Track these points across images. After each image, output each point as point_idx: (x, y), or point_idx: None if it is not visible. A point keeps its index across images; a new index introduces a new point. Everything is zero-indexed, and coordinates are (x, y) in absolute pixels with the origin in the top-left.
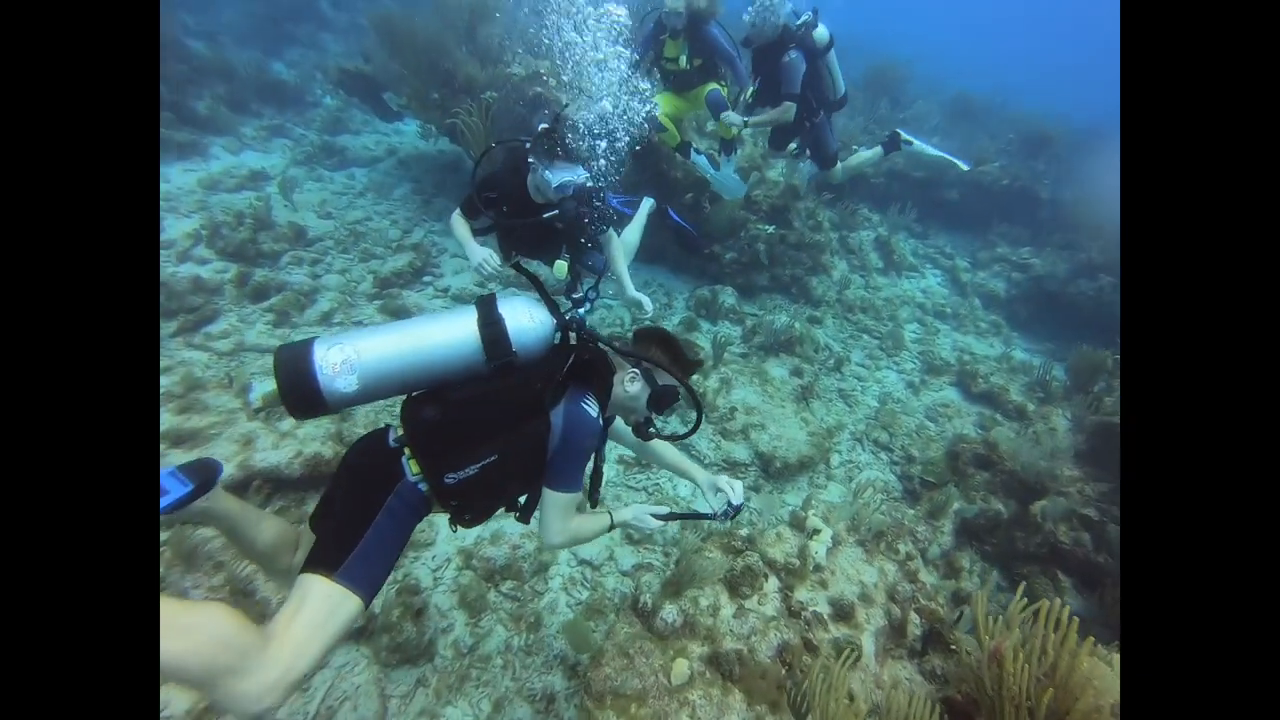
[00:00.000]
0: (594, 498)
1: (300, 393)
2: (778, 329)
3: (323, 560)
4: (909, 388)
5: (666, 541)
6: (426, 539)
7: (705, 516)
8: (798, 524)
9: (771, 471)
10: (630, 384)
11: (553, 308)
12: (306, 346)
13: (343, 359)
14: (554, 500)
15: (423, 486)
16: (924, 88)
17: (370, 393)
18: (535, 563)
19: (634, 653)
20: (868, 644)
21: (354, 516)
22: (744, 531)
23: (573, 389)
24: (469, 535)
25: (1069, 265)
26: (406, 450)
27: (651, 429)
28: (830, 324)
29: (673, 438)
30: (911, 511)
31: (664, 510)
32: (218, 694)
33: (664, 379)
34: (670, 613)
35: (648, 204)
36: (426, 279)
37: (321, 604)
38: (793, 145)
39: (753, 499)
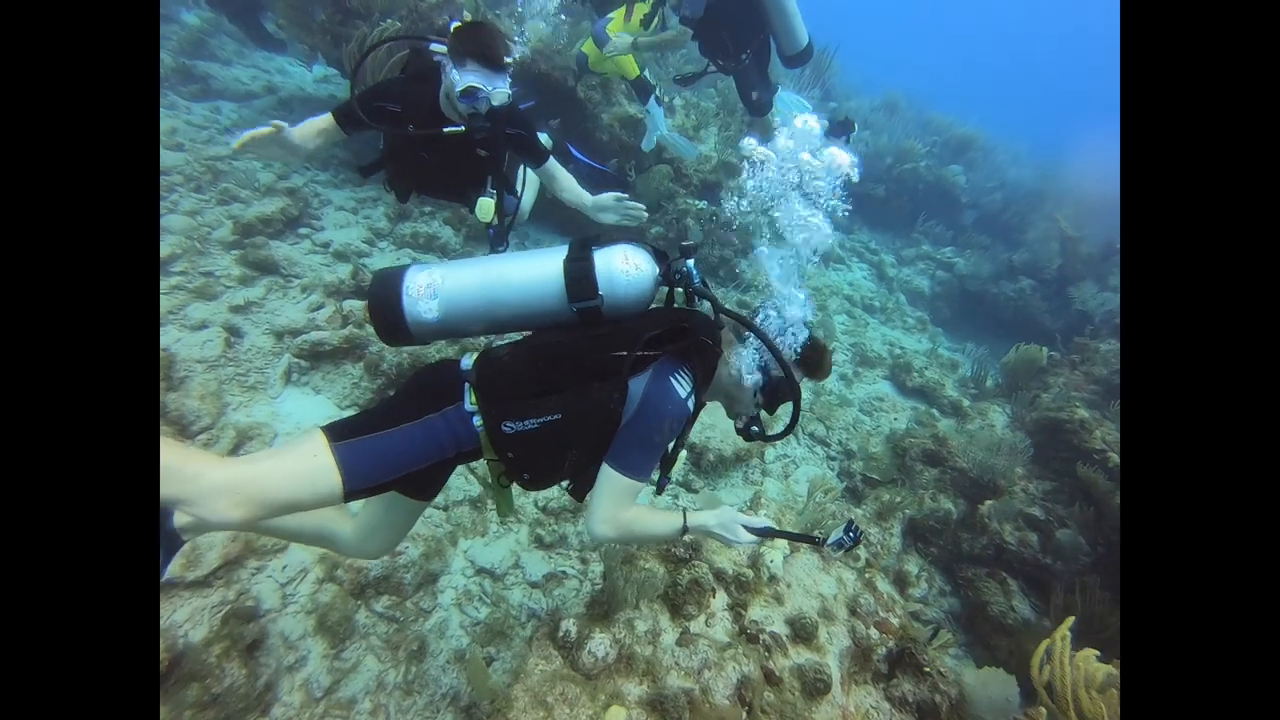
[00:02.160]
0: (660, 484)
1: (384, 312)
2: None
3: (337, 426)
4: (842, 380)
5: (587, 543)
6: (278, 543)
7: (813, 540)
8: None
9: (703, 466)
10: (744, 369)
11: (658, 255)
12: (401, 270)
13: (428, 283)
14: (611, 481)
15: (477, 421)
16: (858, 81)
17: (451, 324)
18: (420, 573)
19: (554, 700)
20: (833, 670)
21: (391, 411)
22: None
23: (665, 360)
24: None
25: (991, 266)
26: (469, 383)
27: (755, 429)
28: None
29: (768, 439)
30: (859, 511)
31: (762, 524)
32: (185, 512)
33: (787, 375)
34: (601, 644)
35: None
36: (303, 230)
37: (304, 458)
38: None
39: (683, 497)
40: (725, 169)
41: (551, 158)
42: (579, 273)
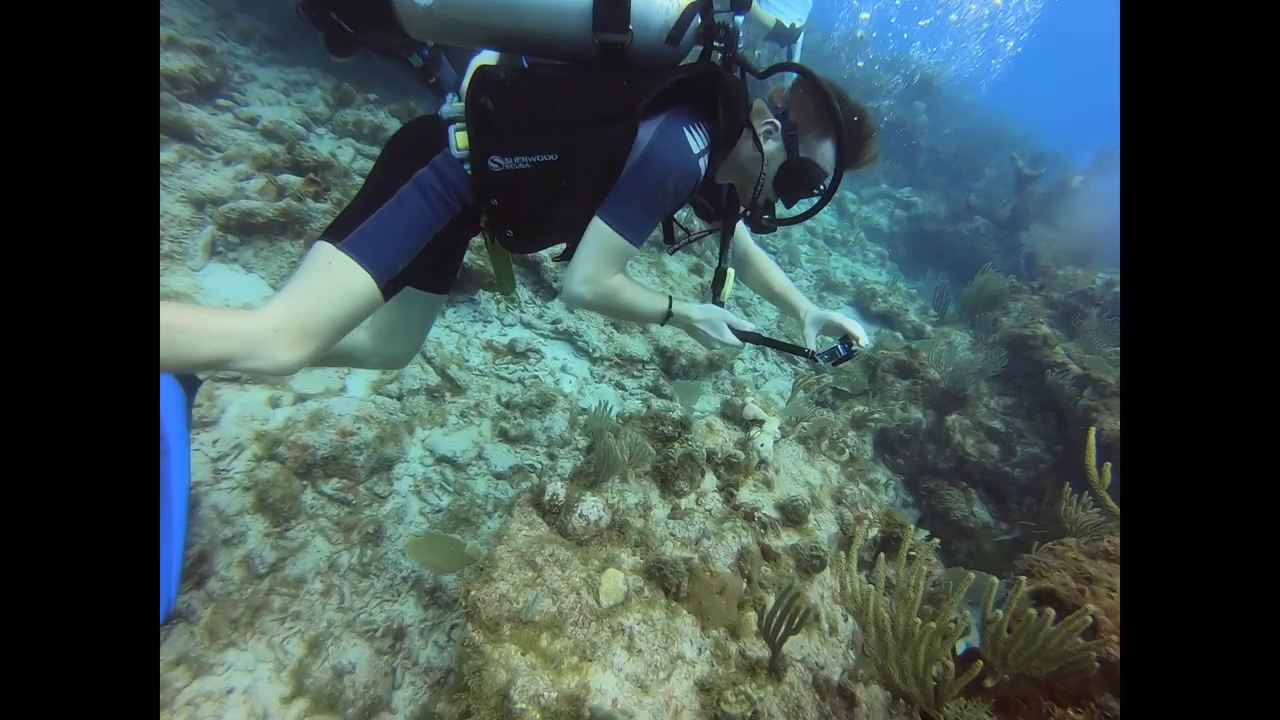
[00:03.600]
0: (715, 296)
1: None
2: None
3: (333, 228)
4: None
5: (554, 440)
6: (207, 415)
7: (800, 351)
8: (731, 413)
9: (674, 371)
10: (765, 140)
11: (705, 6)
12: None
13: None
14: (600, 236)
15: (468, 167)
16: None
17: (447, 17)
18: (374, 456)
19: (543, 561)
20: (826, 550)
21: (379, 186)
22: (675, 413)
23: (683, 108)
24: (276, 416)
25: (948, 207)
26: (458, 122)
27: (766, 217)
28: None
29: (788, 222)
30: (834, 417)
31: (750, 327)
32: (239, 370)
33: (813, 151)
34: (593, 507)
35: None
36: (222, 101)
37: (320, 270)
38: None
39: (668, 387)
40: None
41: None
42: None
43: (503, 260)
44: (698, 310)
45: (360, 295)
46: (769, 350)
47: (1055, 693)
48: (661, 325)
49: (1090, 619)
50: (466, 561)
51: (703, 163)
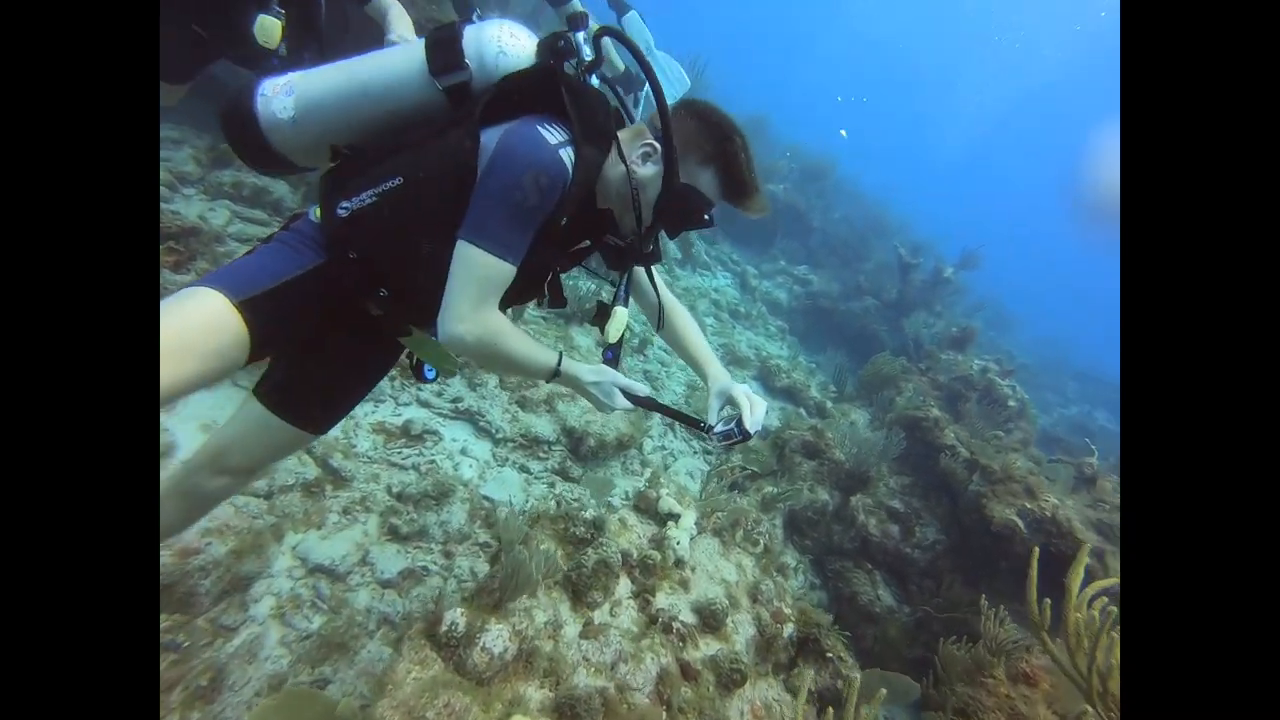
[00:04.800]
0: (555, 301)
1: (235, 114)
2: (581, 297)
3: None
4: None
5: (452, 535)
6: None
7: (695, 424)
8: (645, 506)
9: (582, 452)
10: (644, 163)
11: (549, 42)
12: (256, 76)
13: (285, 82)
14: (467, 260)
15: (314, 214)
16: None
17: (310, 124)
18: (226, 577)
19: (436, 716)
20: (746, 660)
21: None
22: (587, 512)
23: (531, 114)
24: None
25: (840, 286)
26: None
27: (650, 248)
28: (631, 304)
29: (642, 259)
30: (743, 502)
31: (644, 391)
32: None
33: (695, 175)
34: (497, 638)
35: None
36: None
37: (174, 300)
38: None
39: (558, 486)
40: None
41: None
42: (442, 37)
43: (424, 345)
44: (588, 371)
45: (211, 309)
46: (678, 426)
47: None
48: (548, 381)
49: None
50: None
51: (565, 156)
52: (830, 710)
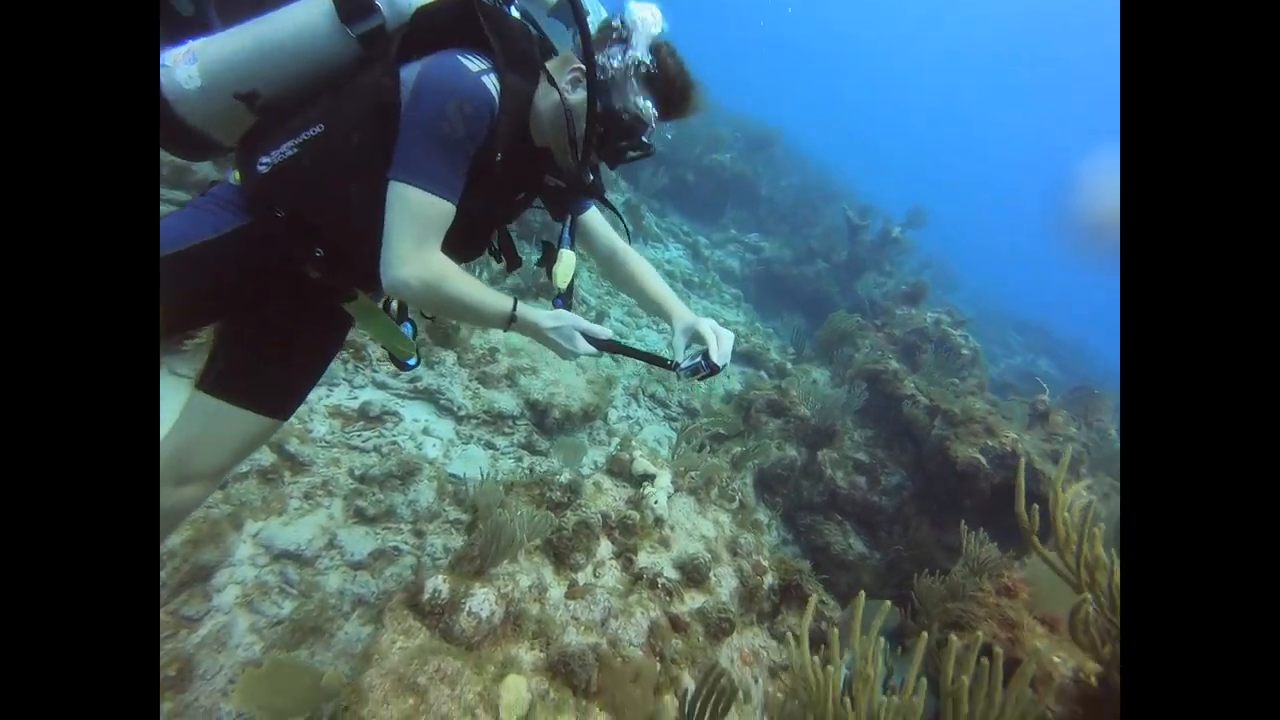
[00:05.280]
0: (509, 260)
1: None
2: (534, 271)
3: None
4: (670, 347)
5: (421, 514)
6: None
7: (662, 362)
8: (619, 469)
9: (547, 425)
10: (574, 89)
11: None
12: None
13: (186, 50)
14: (400, 197)
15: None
16: None
17: (217, 93)
18: (184, 568)
19: (427, 681)
20: (733, 609)
21: None
22: (561, 476)
23: (450, 46)
24: None
25: (792, 251)
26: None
27: (589, 179)
28: (586, 277)
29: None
30: (721, 462)
31: (606, 334)
32: None
33: (628, 100)
34: (483, 602)
35: None
36: None
37: None
38: None
39: (547, 448)
40: None
41: None
42: None
43: (374, 318)
44: (547, 316)
45: None
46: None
47: None
48: (505, 329)
49: (1034, 669)
50: (324, 698)
51: (489, 83)
52: (835, 631)
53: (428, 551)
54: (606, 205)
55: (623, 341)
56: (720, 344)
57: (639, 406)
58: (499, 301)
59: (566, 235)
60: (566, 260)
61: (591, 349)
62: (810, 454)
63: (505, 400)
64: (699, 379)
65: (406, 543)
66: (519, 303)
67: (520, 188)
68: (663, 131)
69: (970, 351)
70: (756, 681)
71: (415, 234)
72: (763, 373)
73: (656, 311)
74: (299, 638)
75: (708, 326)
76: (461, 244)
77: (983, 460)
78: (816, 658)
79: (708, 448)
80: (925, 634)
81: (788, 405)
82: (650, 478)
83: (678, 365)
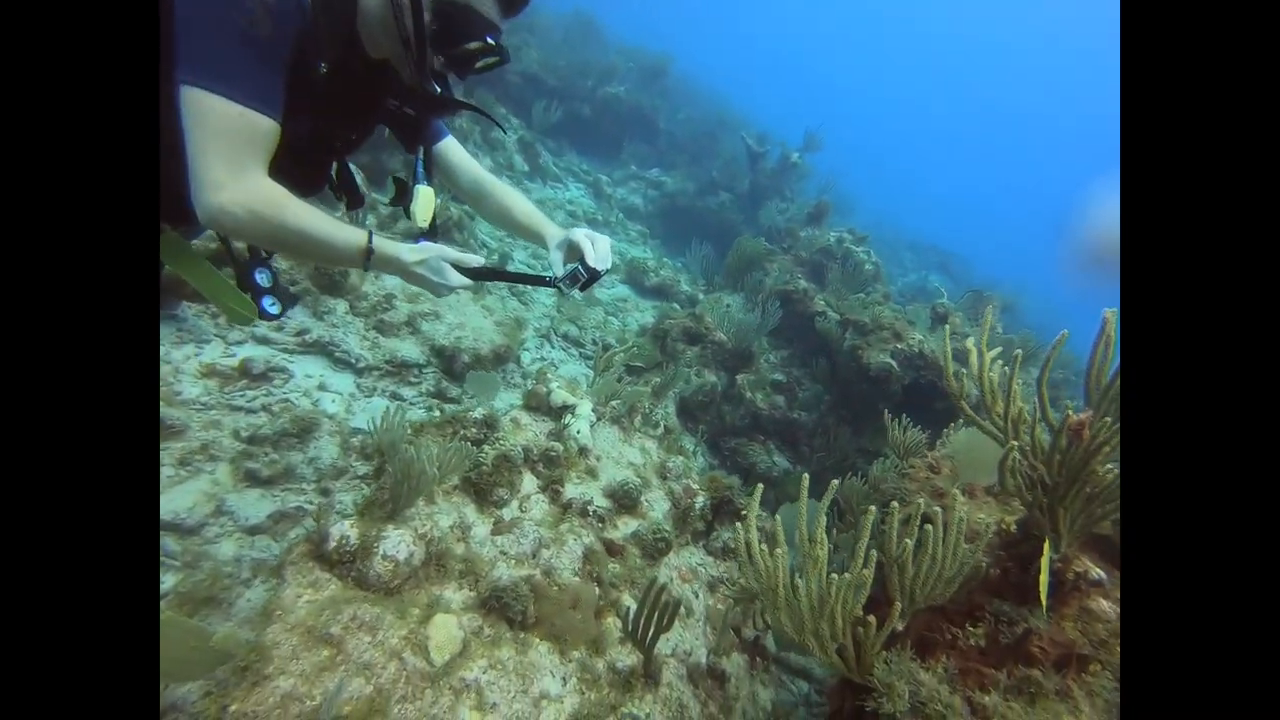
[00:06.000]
0: (350, 199)
1: None
2: (390, 212)
3: None
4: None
5: (325, 471)
6: None
7: (540, 279)
8: (537, 403)
9: (456, 371)
10: None
11: None
12: None
13: None
14: (199, 108)
15: None
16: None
17: None
18: None
19: (341, 630)
20: (669, 530)
21: None
22: (476, 413)
23: None
24: None
25: (695, 184)
26: None
27: (440, 92)
28: (483, 220)
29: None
30: (643, 389)
31: (477, 261)
32: None
33: None
34: (399, 543)
35: None
36: None
37: None
38: None
39: (459, 394)
40: None
41: None
42: None
43: (183, 260)
44: (409, 250)
45: None
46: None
47: (948, 615)
48: (363, 267)
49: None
50: (218, 661)
51: None
52: (778, 518)
53: (337, 510)
54: (467, 109)
55: (493, 267)
56: (596, 246)
57: (552, 347)
58: (351, 234)
59: (420, 169)
60: (424, 196)
61: (465, 280)
62: (730, 378)
63: (408, 348)
64: (580, 289)
65: (311, 502)
66: (375, 235)
67: (358, 111)
68: (554, 61)
69: (873, 267)
70: (697, 596)
71: (227, 153)
72: (675, 305)
73: (531, 237)
74: (189, 610)
75: (581, 234)
76: (290, 178)
77: (894, 364)
78: (764, 544)
79: (625, 380)
80: (872, 509)
81: (703, 331)
82: (570, 409)
83: (555, 279)
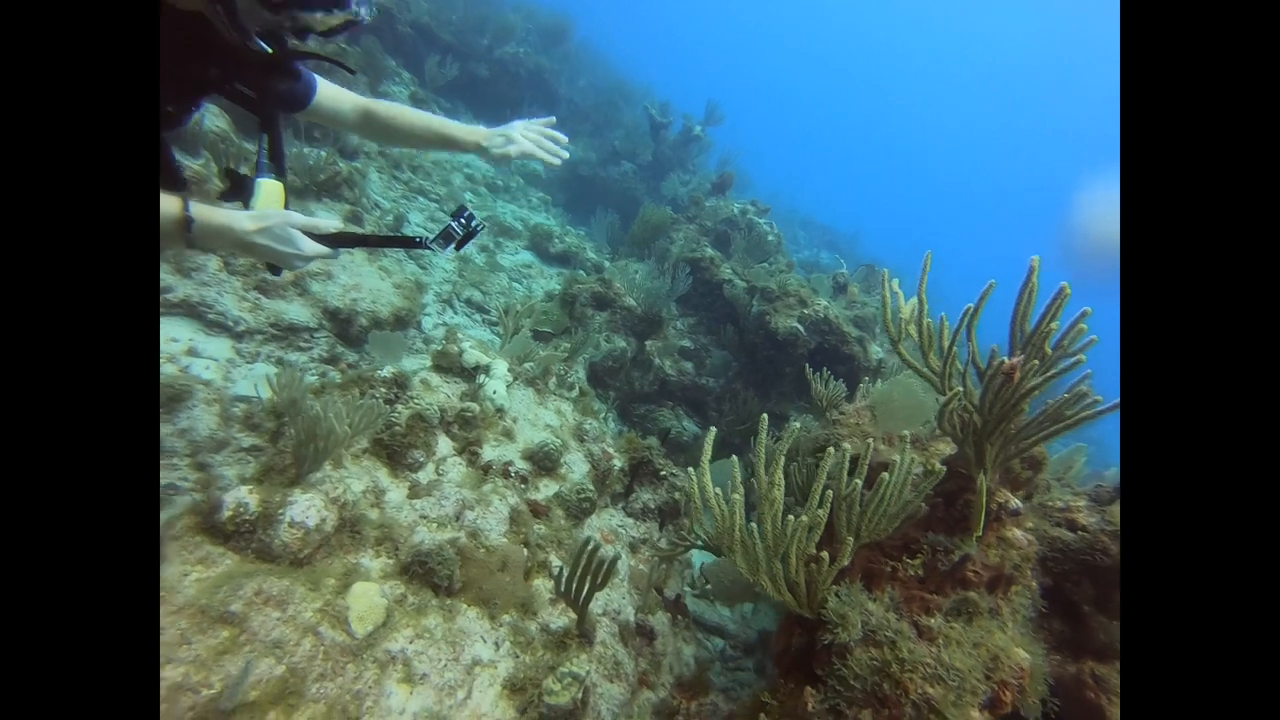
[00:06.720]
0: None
1: None
2: (313, 165)
3: None
4: (483, 251)
5: (202, 444)
6: None
7: (410, 241)
8: (448, 364)
9: (353, 335)
10: None
11: None
12: None
13: None
14: None
15: None
16: None
17: None
18: None
19: (244, 608)
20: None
21: None
22: (384, 372)
23: None
24: None
25: (597, 154)
26: None
27: (273, 52)
28: (375, 179)
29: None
30: (556, 352)
31: (334, 226)
32: None
33: None
34: (307, 509)
35: None
36: None
37: None
38: None
39: (350, 355)
40: None
41: None
42: None
43: None
44: (247, 219)
45: None
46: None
47: (885, 550)
48: (186, 245)
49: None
50: None
51: None
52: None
53: (219, 486)
54: (312, 58)
55: (352, 231)
56: (538, 142)
57: (455, 313)
58: (161, 204)
59: (264, 158)
60: (268, 191)
61: (322, 248)
62: (639, 344)
63: (296, 311)
64: (456, 247)
65: (185, 478)
66: (193, 202)
67: (167, 76)
68: (447, 15)
69: (775, 238)
70: (620, 557)
71: None
72: (580, 272)
73: (441, 144)
74: None
75: (519, 126)
76: None
77: (801, 328)
78: (718, 490)
79: (534, 346)
80: (831, 449)
81: (613, 297)
82: (484, 369)
83: (426, 239)
